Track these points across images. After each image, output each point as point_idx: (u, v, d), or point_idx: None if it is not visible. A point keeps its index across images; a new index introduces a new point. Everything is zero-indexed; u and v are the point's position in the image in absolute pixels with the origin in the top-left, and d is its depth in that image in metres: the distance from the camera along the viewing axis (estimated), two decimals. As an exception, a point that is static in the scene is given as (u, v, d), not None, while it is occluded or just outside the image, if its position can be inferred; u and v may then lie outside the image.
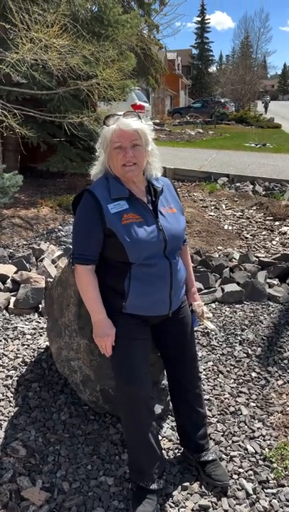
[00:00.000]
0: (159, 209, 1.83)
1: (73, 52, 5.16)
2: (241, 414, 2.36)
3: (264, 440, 2.18)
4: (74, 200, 1.86)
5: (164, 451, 2.02)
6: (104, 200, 1.75)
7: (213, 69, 55.62)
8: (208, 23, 57.66)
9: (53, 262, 4.15)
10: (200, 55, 55.60)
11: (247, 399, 2.48)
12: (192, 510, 1.81)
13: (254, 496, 1.88)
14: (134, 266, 1.75)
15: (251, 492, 1.89)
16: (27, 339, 2.95)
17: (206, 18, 57.29)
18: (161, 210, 1.83)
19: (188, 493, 1.88)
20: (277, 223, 5.87)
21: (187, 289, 2.06)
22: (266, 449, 2.12)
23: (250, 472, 2.00)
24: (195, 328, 2.03)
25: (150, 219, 1.78)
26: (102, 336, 1.78)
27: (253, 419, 2.32)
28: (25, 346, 2.87)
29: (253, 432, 2.24)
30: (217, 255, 4.65)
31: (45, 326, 3.09)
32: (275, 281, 3.97)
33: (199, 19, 56.93)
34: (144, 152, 1.78)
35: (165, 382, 2.26)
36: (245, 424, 2.29)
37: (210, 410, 2.36)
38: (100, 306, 1.79)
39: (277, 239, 5.26)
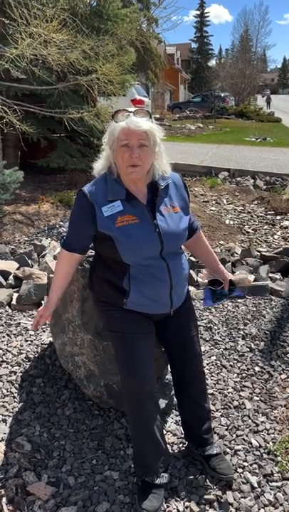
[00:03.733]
0: (158, 209, 1.79)
1: (73, 47, 5.15)
2: (245, 408, 2.36)
3: (268, 434, 2.19)
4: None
5: (168, 446, 2.03)
6: (98, 202, 1.74)
7: (212, 63, 55.37)
8: (208, 16, 57.42)
9: (55, 258, 4.15)
10: (199, 49, 55.33)
11: (250, 393, 2.49)
12: (197, 503, 1.81)
13: (259, 490, 1.88)
14: (132, 267, 1.75)
15: (256, 485, 1.90)
16: (30, 335, 2.95)
17: (206, 11, 56.98)
18: (161, 210, 1.79)
19: (193, 487, 1.88)
20: (278, 217, 5.86)
21: (214, 269, 2.12)
22: (270, 443, 2.13)
23: (255, 466, 2.00)
24: (197, 323, 2.03)
25: (147, 220, 1.75)
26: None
27: (256, 413, 2.33)
28: (29, 342, 2.87)
29: (257, 425, 2.24)
30: (219, 250, 4.65)
31: (48, 321, 3.09)
32: (278, 276, 3.97)
33: (198, 13, 56.63)
34: (150, 153, 1.74)
35: (169, 376, 2.26)
36: (249, 418, 2.29)
37: (214, 405, 2.37)
38: (53, 295, 1.93)
39: (278, 233, 5.26)
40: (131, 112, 1.72)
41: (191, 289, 3.63)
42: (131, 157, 1.69)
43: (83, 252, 1.88)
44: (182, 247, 1.96)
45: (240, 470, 1.98)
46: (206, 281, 2.16)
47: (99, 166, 1.85)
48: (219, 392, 2.48)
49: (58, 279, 1.92)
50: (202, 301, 2.08)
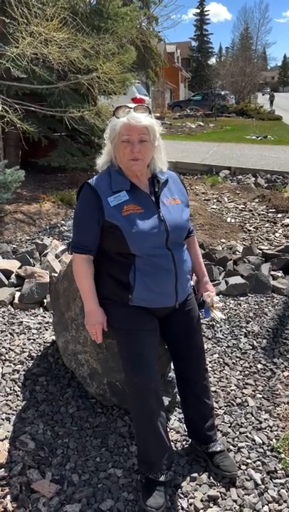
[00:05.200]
0: (161, 200, 1.83)
1: (73, 46, 5.15)
2: (248, 405, 2.36)
3: (271, 431, 2.19)
4: (78, 193, 1.88)
5: (172, 443, 2.03)
6: (104, 193, 1.77)
7: (212, 61, 55.28)
8: (208, 14, 57.24)
9: (57, 256, 4.15)
10: (199, 47, 55.16)
11: (253, 390, 2.49)
12: (201, 500, 1.82)
13: (262, 486, 1.89)
14: (138, 258, 1.76)
15: (260, 482, 1.90)
16: (33, 334, 2.96)
17: (206, 9, 56.80)
18: (163, 201, 1.84)
19: (197, 484, 1.89)
20: (279, 215, 5.86)
21: (198, 279, 2.07)
22: (273, 440, 2.13)
23: (258, 463, 2.01)
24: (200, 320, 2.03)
25: (151, 210, 1.79)
26: (93, 323, 1.84)
27: (259, 411, 2.33)
28: (32, 341, 2.87)
29: (260, 423, 2.25)
30: (220, 248, 4.65)
31: (50, 320, 3.10)
32: (279, 274, 3.98)
33: (198, 11, 56.49)
34: (150, 148, 1.79)
35: (172, 374, 2.27)
36: (252, 416, 2.29)
37: (217, 402, 2.37)
38: (92, 295, 1.85)
39: (280, 231, 5.26)
40: (131, 107, 1.77)
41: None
42: (132, 151, 1.74)
43: (94, 251, 1.84)
44: None
45: (243, 467, 1.99)
46: None
47: (101, 161, 1.89)
48: (222, 390, 2.48)
49: (87, 285, 1.84)
50: None
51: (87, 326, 1.88)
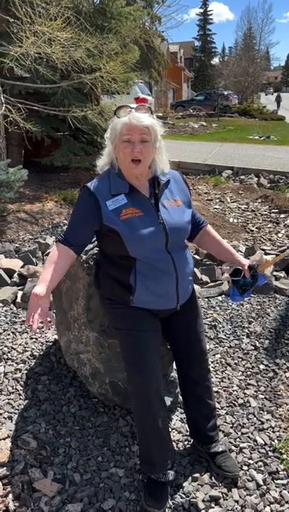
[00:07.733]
0: (161, 202, 1.82)
1: (77, 46, 5.15)
2: (250, 406, 2.36)
3: (273, 432, 2.19)
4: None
5: (174, 443, 2.03)
6: (102, 197, 1.76)
7: (215, 61, 55.20)
8: (211, 14, 57.17)
9: (59, 256, 4.15)
10: (202, 47, 55.15)
11: (255, 391, 2.49)
12: (203, 501, 1.82)
13: (264, 487, 1.89)
14: (138, 261, 1.76)
15: (261, 483, 1.90)
16: (35, 333, 2.96)
17: (209, 9, 56.72)
18: (163, 203, 1.82)
19: (198, 484, 1.89)
20: (282, 216, 5.86)
21: (230, 259, 2.01)
22: (275, 441, 2.13)
23: (260, 463, 2.00)
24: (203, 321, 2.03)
25: (151, 213, 1.77)
26: (31, 301, 1.70)
27: (261, 411, 2.33)
28: (34, 340, 2.88)
29: (262, 423, 2.24)
30: (223, 248, 4.64)
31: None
32: (282, 274, 3.97)
33: (201, 11, 56.45)
34: (151, 148, 1.77)
35: (174, 374, 2.27)
36: (254, 416, 2.29)
37: (219, 402, 2.37)
38: (44, 278, 1.74)
39: (282, 231, 5.26)
40: (133, 107, 1.75)
41: (196, 287, 3.63)
42: (133, 152, 1.72)
43: (79, 249, 1.83)
44: (190, 244, 1.96)
45: (245, 468, 1.98)
46: (228, 275, 2.08)
47: (101, 163, 1.88)
48: (224, 390, 2.48)
49: (50, 271, 1.75)
50: (229, 298, 2.05)
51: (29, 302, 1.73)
